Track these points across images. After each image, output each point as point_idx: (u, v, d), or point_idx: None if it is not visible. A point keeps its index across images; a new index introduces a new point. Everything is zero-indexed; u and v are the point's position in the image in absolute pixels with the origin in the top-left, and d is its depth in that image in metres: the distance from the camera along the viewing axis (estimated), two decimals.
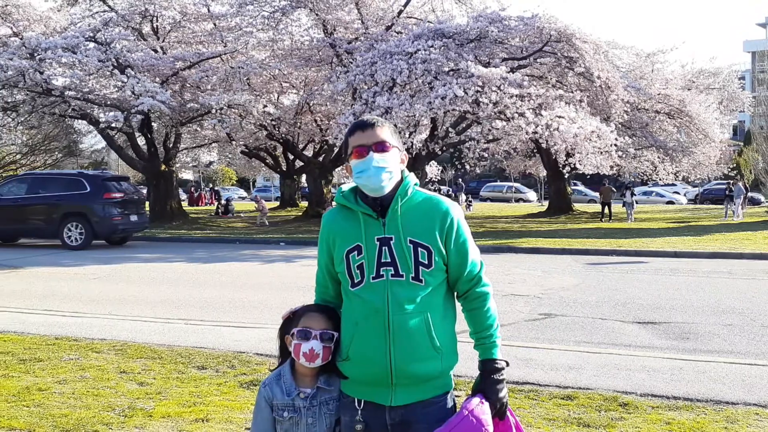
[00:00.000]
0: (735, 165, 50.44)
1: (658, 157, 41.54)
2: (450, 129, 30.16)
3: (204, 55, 32.90)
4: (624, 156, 35.10)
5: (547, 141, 27.09)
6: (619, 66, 37.51)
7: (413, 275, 3.30)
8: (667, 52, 43.53)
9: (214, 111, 29.82)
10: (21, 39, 29.24)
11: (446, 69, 26.65)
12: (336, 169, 41.08)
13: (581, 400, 6.99)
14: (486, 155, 38.24)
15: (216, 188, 73.17)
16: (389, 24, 31.96)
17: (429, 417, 3.33)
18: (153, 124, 35.07)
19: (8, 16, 32.40)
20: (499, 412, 3.35)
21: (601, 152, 28.30)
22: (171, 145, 37.79)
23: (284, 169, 49.01)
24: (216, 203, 55.34)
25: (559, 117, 26.19)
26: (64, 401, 6.98)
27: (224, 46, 33.30)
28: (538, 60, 29.42)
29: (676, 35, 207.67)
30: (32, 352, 8.94)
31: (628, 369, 8.21)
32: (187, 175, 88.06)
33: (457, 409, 3.34)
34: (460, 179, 63.89)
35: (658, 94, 37.46)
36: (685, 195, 67.44)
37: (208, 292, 14.42)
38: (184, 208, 41.66)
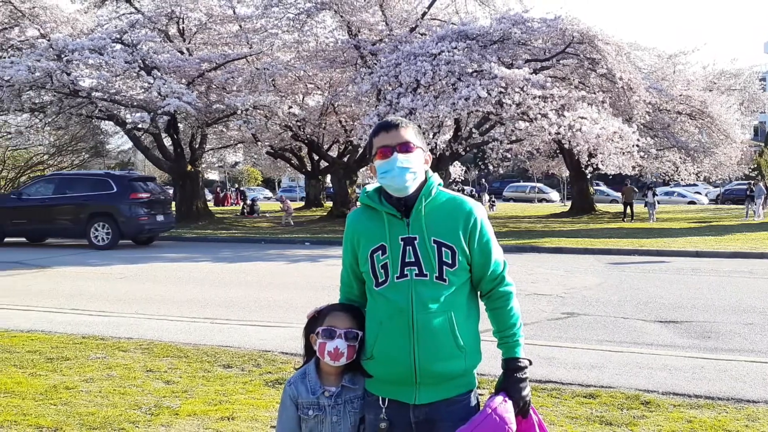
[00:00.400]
0: (756, 165, 50.22)
1: (680, 158, 41.51)
2: (473, 130, 30.10)
3: (229, 56, 32.99)
4: (646, 156, 35.02)
5: (569, 142, 27.03)
6: (641, 67, 37.44)
7: (437, 275, 3.32)
8: (688, 54, 43.44)
9: (239, 112, 29.92)
10: (48, 41, 29.35)
11: (470, 70, 26.63)
12: (360, 170, 41.16)
13: (603, 399, 7.00)
14: (509, 156, 38.27)
15: (241, 188, 73.41)
16: (413, 26, 31.92)
17: (453, 415, 3.35)
18: (179, 125, 35.16)
19: (36, 17, 32.61)
20: (522, 410, 3.37)
21: (623, 153, 28.20)
22: (197, 145, 37.92)
23: (309, 170, 49.10)
24: (241, 203, 55.41)
25: (582, 118, 26.15)
26: (90, 399, 7.03)
27: (250, 48, 33.42)
28: (561, 61, 29.31)
29: (697, 37, 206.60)
30: (59, 350, 9.00)
31: (650, 367, 8.21)
32: (212, 175, 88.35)
33: (481, 408, 3.35)
34: (484, 179, 63.93)
35: (680, 95, 37.36)
36: (706, 195, 67.20)
37: (234, 292, 14.50)
38: (209, 209, 41.81)
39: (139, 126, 30.97)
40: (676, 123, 39.10)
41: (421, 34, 31.40)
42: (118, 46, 30.32)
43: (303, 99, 37.93)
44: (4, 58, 30.47)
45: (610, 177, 48.26)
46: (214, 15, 34.17)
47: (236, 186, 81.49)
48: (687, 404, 6.86)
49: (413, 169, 3.36)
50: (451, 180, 42.13)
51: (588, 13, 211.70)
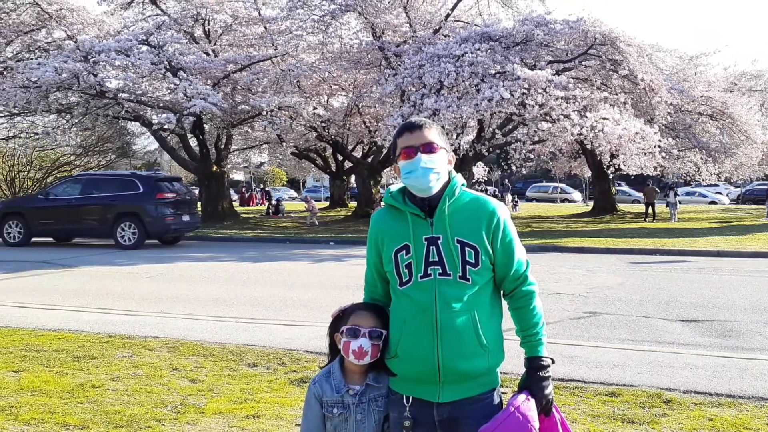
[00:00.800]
0: None
1: (701, 158, 41.37)
2: (496, 130, 30.12)
3: (255, 57, 33.08)
4: (667, 157, 34.91)
5: (591, 142, 27.00)
6: (662, 69, 37.32)
7: (460, 274, 3.34)
8: (709, 55, 43.54)
9: (264, 113, 30.03)
10: (75, 42, 29.50)
11: (493, 71, 26.58)
12: (384, 170, 41.16)
13: (625, 397, 7.02)
14: (532, 156, 38.13)
15: (267, 189, 73.57)
16: (437, 27, 31.93)
17: (476, 413, 3.37)
18: (205, 125, 35.34)
19: (63, 19, 32.80)
20: (545, 408, 3.39)
21: (645, 153, 28.13)
22: (222, 146, 38.07)
23: (333, 170, 49.10)
24: (267, 203, 55.54)
25: (604, 119, 26.12)
26: (117, 398, 7.10)
27: (275, 49, 33.49)
28: (583, 63, 29.20)
29: (718, 38, 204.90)
30: (86, 349, 9.09)
31: (672, 366, 8.22)
32: (238, 175, 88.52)
33: (504, 406, 3.38)
34: (507, 180, 63.92)
35: (701, 96, 37.25)
36: (727, 195, 66.93)
37: (259, 291, 14.57)
38: (235, 209, 42.02)
39: (165, 127, 31.00)
40: (698, 124, 39.00)
41: (445, 36, 31.42)
42: (145, 48, 30.46)
43: (327, 100, 38.01)
44: (32, 59, 30.73)
45: (632, 177, 48.06)
46: (239, 17, 34.32)
47: (261, 186, 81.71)
48: (708, 402, 6.88)
49: (437, 169, 3.38)
50: (474, 180, 42.11)
51: (610, 14, 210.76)
